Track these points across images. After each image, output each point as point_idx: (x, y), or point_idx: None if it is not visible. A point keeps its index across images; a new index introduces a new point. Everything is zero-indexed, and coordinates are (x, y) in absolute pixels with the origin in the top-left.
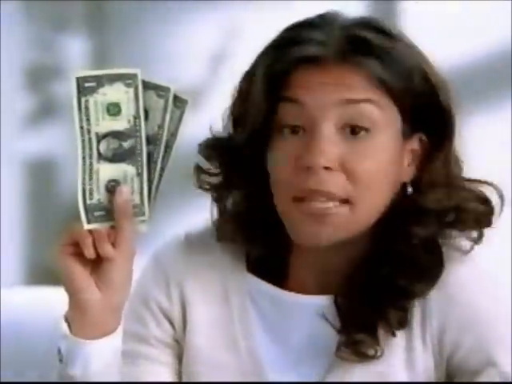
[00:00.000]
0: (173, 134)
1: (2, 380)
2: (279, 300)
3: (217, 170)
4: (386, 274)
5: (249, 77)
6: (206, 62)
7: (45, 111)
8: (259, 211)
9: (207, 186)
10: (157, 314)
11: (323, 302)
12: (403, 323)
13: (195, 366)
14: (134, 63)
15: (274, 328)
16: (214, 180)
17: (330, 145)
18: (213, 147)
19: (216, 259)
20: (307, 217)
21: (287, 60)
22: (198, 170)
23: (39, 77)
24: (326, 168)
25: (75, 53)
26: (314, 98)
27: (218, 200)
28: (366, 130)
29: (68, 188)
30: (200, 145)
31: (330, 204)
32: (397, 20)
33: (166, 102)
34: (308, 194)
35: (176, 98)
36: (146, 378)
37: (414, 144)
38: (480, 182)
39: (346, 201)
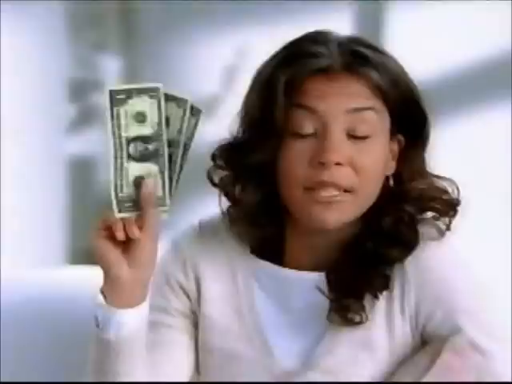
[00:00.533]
0: (189, 138)
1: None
2: (279, 276)
3: (227, 169)
4: (370, 246)
5: (267, 86)
6: (221, 77)
7: (85, 119)
8: (261, 202)
9: (218, 182)
10: (176, 289)
11: (317, 277)
12: (385, 287)
13: (208, 332)
14: (159, 78)
15: (273, 300)
16: (224, 176)
17: (341, 145)
18: (225, 149)
19: (225, 243)
20: (317, 204)
21: (303, 71)
22: (212, 168)
23: (81, 89)
24: (337, 164)
25: (111, 69)
26: (325, 106)
27: (227, 193)
28: (366, 132)
29: (103, 183)
30: (216, 149)
31: (337, 193)
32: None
33: (184, 111)
34: (318, 185)
35: (192, 108)
36: (168, 344)
37: (395, 143)
38: (443, 177)
39: (349, 190)
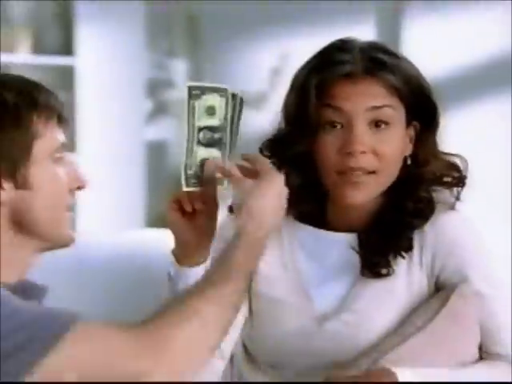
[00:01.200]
0: (236, 125)
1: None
2: (318, 236)
3: (273, 158)
4: (394, 216)
5: (302, 89)
6: (267, 77)
7: (160, 111)
8: (302, 185)
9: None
10: None
11: (350, 237)
12: (409, 248)
13: (259, 282)
14: (217, 77)
15: (313, 256)
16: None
17: (363, 136)
18: (270, 143)
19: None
20: (348, 185)
21: (330, 77)
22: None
23: (156, 87)
24: (362, 152)
25: (180, 71)
26: (350, 106)
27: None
28: (386, 124)
29: (174, 162)
30: (262, 143)
31: (362, 175)
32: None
33: (227, 100)
34: (348, 169)
35: (233, 96)
36: None
37: (412, 129)
38: (453, 154)
39: (372, 172)
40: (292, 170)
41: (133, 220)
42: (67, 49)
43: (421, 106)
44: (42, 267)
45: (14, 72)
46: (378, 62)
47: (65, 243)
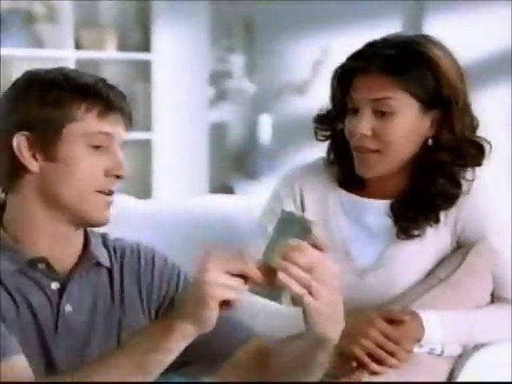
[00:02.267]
0: None
1: None
2: (358, 202)
3: (326, 129)
4: (422, 192)
5: (332, 80)
6: (310, 68)
7: (221, 97)
8: (344, 154)
9: (321, 138)
10: None
11: (385, 204)
12: (437, 220)
13: None
14: (269, 69)
15: (353, 219)
16: (325, 134)
17: (367, 120)
18: (318, 117)
19: (321, 177)
20: (358, 161)
21: (350, 71)
22: (315, 128)
23: (219, 77)
24: (363, 134)
25: (237, 63)
26: (359, 96)
27: (330, 146)
28: (389, 113)
29: (232, 139)
30: (315, 116)
31: (365, 154)
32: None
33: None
34: (355, 148)
35: None
36: None
37: (432, 115)
38: (477, 137)
39: (376, 151)
40: (334, 143)
41: (198, 188)
42: (146, 46)
43: (437, 99)
44: (115, 228)
45: (102, 67)
46: (389, 60)
47: (93, 222)
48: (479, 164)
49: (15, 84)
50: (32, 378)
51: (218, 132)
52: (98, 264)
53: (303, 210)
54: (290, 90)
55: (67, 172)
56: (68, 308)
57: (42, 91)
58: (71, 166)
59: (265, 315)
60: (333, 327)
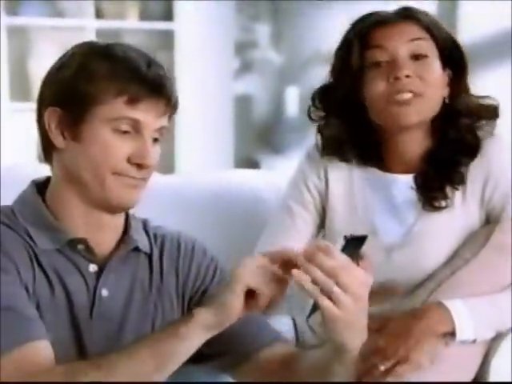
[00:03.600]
0: None
1: None
2: (383, 178)
3: (320, 106)
4: (444, 154)
5: (346, 37)
6: (336, 38)
7: (246, 68)
8: (357, 126)
9: (315, 118)
10: (312, 189)
11: (408, 178)
12: (462, 181)
13: (333, 220)
14: (294, 38)
15: (379, 196)
16: (320, 114)
17: (407, 63)
18: (318, 92)
19: (345, 155)
20: (399, 105)
21: (370, 23)
22: (310, 108)
23: (244, 47)
24: (407, 76)
25: (263, 33)
26: (392, 42)
27: (322, 126)
28: (425, 56)
29: (257, 112)
30: (312, 93)
31: (410, 95)
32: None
33: None
34: (396, 93)
35: None
36: (300, 233)
37: (447, 74)
38: (485, 96)
39: (419, 94)
40: (344, 117)
41: (223, 162)
42: (168, 15)
43: (451, 52)
44: (139, 205)
45: (123, 37)
46: (411, 10)
47: (114, 205)
48: (497, 115)
49: (64, 54)
50: (53, 365)
51: (243, 104)
52: (138, 249)
53: (327, 186)
54: (318, 60)
55: (87, 153)
56: (104, 292)
57: (80, 65)
58: (91, 148)
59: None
60: (352, 337)
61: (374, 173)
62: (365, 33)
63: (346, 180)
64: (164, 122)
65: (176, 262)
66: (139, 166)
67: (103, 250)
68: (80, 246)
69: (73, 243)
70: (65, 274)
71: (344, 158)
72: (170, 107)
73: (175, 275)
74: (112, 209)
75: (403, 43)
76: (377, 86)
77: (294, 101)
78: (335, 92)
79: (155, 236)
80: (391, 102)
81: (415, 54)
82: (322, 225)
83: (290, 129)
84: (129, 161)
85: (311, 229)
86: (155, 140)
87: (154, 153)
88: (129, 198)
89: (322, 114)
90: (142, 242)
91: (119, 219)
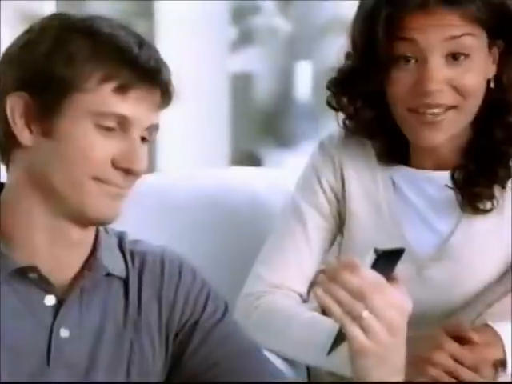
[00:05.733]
0: None
1: None
2: (412, 176)
3: (343, 95)
4: (488, 145)
5: (370, 20)
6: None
7: (246, 40)
8: (375, 120)
9: (336, 106)
10: (327, 191)
11: (443, 175)
12: (509, 176)
13: (353, 227)
14: (309, 3)
15: (408, 197)
16: (342, 101)
17: (440, 71)
18: (339, 80)
19: (366, 150)
20: (422, 124)
21: (402, 7)
22: (330, 96)
23: (242, 14)
24: (438, 90)
25: None
26: (424, 37)
27: (347, 114)
28: (466, 55)
29: (260, 94)
30: (329, 81)
31: (440, 111)
32: None
33: None
34: (422, 107)
35: None
36: (312, 241)
37: (495, 50)
38: None
39: (453, 107)
40: (366, 107)
41: (216, 157)
42: None
43: (503, 26)
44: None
45: (95, 2)
46: None
47: (92, 217)
48: None
49: (30, 28)
50: None
51: (241, 85)
52: (109, 274)
53: (343, 186)
54: (335, 29)
55: (61, 153)
56: (64, 333)
57: (55, 43)
58: (67, 146)
59: (299, 324)
60: (386, 377)
61: (401, 170)
62: (393, 18)
63: (367, 178)
64: (156, 118)
65: (159, 288)
66: (125, 172)
67: (66, 276)
68: (32, 275)
69: (23, 271)
70: (15, 311)
71: (366, 152)
72: (166, 100)
73: (157, 305)
74: (87, 222)
75: (440, 40)
76: (399, 91)
77: (306, 80)
78: (358, 80)
79: (132, 255)
80: (414, 118)
81: (454, 54)
82: (338, 232)
83: (300, 115)
84: (113, 164)
85: (326, 236)
86: (143, 140)
87: (144, 156)
88: (109, 211)
89: (344, 101)
90: (115, 264)
91: (90, 235)
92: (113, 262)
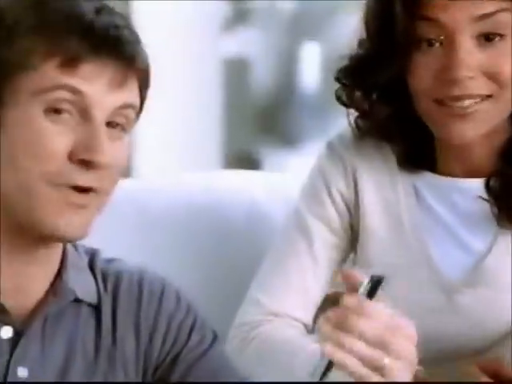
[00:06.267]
0: None
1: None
2: (439, 185)
3: (355, 87)
4: None
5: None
6: None
7: (242, 18)
8: (393, 116)
9: (347, 101)
10: (337, 201)
11: (476, 183)
12: None
13: (368, 244)
14: None
15: (434, 210)
16: (353, 94)
17: (469, 56)
18: (350, 69)
19: (384, 152)
20: (450, 117)
21: None
22: (339, 89)
23: None
24: (469, 77)
25: None
26: (450, 16)
27: (360, 110)
28: (501, 35)
29: (258, 83)
30: (339, 70)
31: (472, 102)
32: None
33: None
34: (450, 99)
35: None
36: (319, 261)
37: None
38: None
39: (488, 96)
40: (383, 102)
41: (205, 159)
42: None
43: None
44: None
45: None
46: None
47: (48, 231)
48: None
49: None
50: None
51: (236, 72)
52: (78, 300)
53: (357, 196)
54: (347, 6)
55: (7, 147)
56: (22, 372)
57: None
58: (10, 139)
59: (303, 359)
60: None
61: (426, 177)
62: None
63: (385, 186)
64: (126, 96)
65: (135, 314)
66: (86, 166)
67: (26, 303)
68: None
69: None
70: None
71: (384, 155)
72: (135, 73)
73: (134, 334)
74: (42, 238)
75: (469, 19)
76: (423, 80)
77: (313, 66)
78: (373, 68)
79: (105, 276)
80: (441, 110)
81: (486, 34)
82: (350, 249)
83: (305, 109)
84: (71, 158)
85: (335, 255)
86: (112, 125)
87: (112, 146)
88: (69, 225)
89: (357, 95)
90: (85, 288)
91: (54, 252)
92: (82, 285)
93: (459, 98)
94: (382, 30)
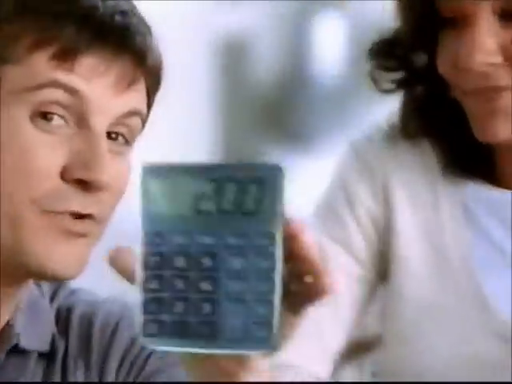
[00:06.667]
0: None
1: None
2: (495, 200)
3: (396, 66)
4: None
5: None
6: None
7: None
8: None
9: (388, 85)
10: (363, 222)
11: None
12: None
13: (402, 276)
14: None
15: (489, 232)
16: (395, 76)
17: (488, 37)
18: (384, 46)
19: (425, 159)
20: (482, 113)
21: None
22: (376, 70)
23: None
24: (490, 64)
25: None
26: None
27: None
28: None
29: (260, 67)
30: (371, 48)
31: (499, 93)
32: None
33: None
34: (472, 92)
35: None
36: (343, 298)
37: None
38: None
39: None
40: (435, 88)
41: (199, 158)
42: None
43: None
44: None
45: None
46: None
47: (34, 268)
48: None
49: None
50: None
51: (235, 55)
52: (22, 349)
53: (389, 214)
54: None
55: None
56: None
57: None
58: None
59: None
60: None
61: (479, 190)
62: None
63: (425, 204)
64: (133, 101)
65: (85, 354)
66: (83, 186)
67: None
68: None
69: None
70: None
71: (423, 161)
72: (144, 72)
73: (86, 370)
74: (28, 275)
75: None
76: (444, 66)
77: (329, 45)
78: (412, 51)
79: (59, 314)
80: (474, 102)
81: (508, 10)
82: (379, 282)
83: (319, 100)
84: (64, 177)
85: (359, 291)
86: (113, 137)
87: (113, 162)
88: (66, 258)
89: (396, 77)
90: (34, 332)
91: (23, 292)
92: (33, 329)
93: (481, 92)
94: (408, 12)
